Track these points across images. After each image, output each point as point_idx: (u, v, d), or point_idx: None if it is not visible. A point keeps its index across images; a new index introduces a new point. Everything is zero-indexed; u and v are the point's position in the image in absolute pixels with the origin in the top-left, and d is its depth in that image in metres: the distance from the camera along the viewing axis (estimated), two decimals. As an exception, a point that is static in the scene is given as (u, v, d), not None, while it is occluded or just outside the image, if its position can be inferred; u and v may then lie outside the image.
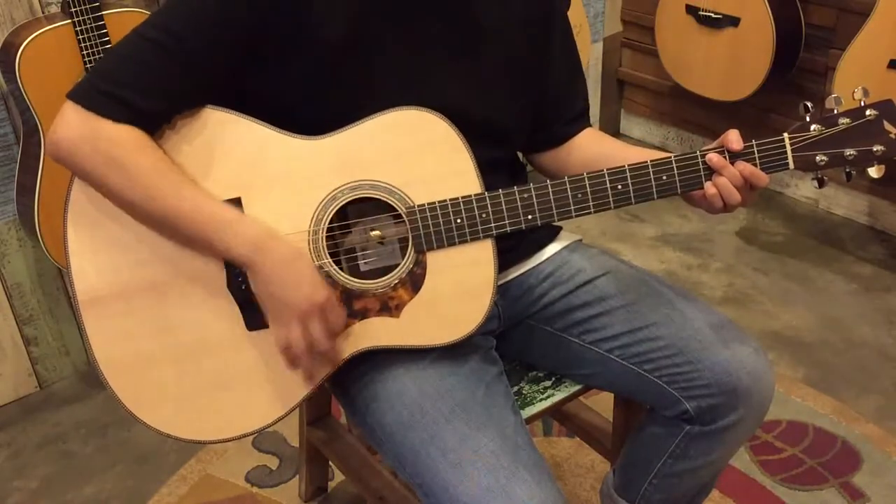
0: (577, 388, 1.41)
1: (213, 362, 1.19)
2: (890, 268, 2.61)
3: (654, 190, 1.18)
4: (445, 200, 1.17)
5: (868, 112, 1.16)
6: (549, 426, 2.05)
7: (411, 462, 1.16)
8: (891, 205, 2.75)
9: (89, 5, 1.81)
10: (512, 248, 1.31)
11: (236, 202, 1.16)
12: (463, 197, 1.17)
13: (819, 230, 2.82)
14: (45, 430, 2.11)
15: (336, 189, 1.17)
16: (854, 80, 2.31)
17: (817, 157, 1.17)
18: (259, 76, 1.16)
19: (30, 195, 1.90)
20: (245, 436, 1.22)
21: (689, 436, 1.30)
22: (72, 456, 2.04)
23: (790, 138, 1.17)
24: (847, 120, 1.16)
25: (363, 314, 1.19)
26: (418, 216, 1.17)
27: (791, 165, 1.17)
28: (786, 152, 1.17)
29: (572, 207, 1.19)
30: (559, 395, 1.40)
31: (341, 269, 1.19)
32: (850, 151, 1.17)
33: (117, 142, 1.11)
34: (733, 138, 1.16)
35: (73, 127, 1.11)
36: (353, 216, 1.20)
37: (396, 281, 1.18)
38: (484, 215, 1.18)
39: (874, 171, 1.18)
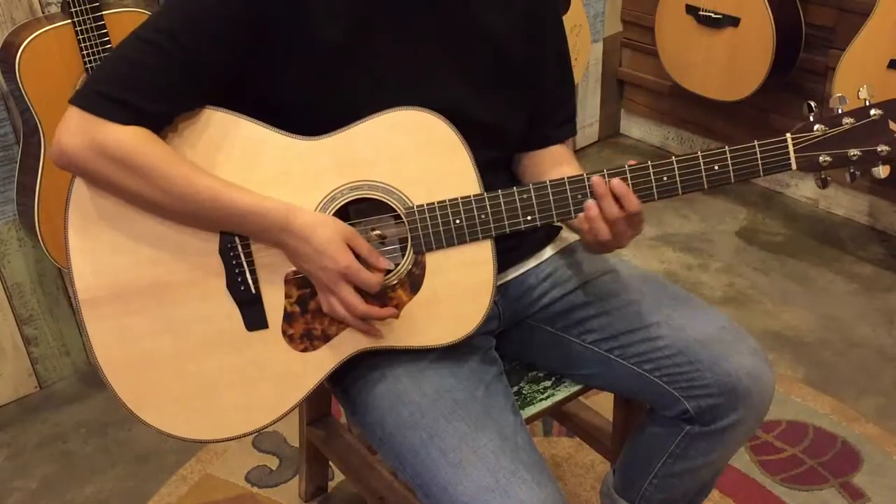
0: (577, 388, 1.41)
1: (214, 362, 1.19)
2: (890, 268, 2.61)
3: (655, 191, 1.18)
4: (445, 201, 1.17)
5: (873, 112, 1.15)
6: (549, 426, 2.05)
7: (411, 462, 1.16)
8: (891, 205, 2.75)
9: (89, 5, 1.81)
10: (512, 249, 1.31)
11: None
12: (462, 198, 1.17)
13: (819, 230, 2.82)
14: (45, 430, 2.12)
15: (335, 189, 1.17)
16: (854, 80, 2.31)
17: (820, 158, 1.16)
18: (258, 77, 1.16)
19: (30, 195, 1.90)
20: (245, 435, 1.23)
21: (689, 436, 1.30)
22: (72, 456, 2.04)
23: (793, 139, 1.16)
24: (851, 120, 1.15)
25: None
26: (417, 217, 1.17)
27: (793, 166, 1.16)
28: (788, 153, 1.16)
29: (572, 208, 1.19)
30: (559, 395, 1.40)
31: (341, 269, 1.19)
32: (854, 152, 1.16)
33: (124, 142, 1.11)
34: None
35: (79, 133, 1.11)
36: (353, 217, 1.20)
37: (395, 281, 1.18)
38: (483, 216, 1.18)
39: (880, 172, 1.16)
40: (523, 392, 1.41)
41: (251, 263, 1.18)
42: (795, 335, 2.35)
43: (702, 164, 1.17)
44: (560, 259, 1.38)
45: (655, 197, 1.19)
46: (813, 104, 1.16)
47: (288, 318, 1.20)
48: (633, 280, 1.34)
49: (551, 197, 1.18)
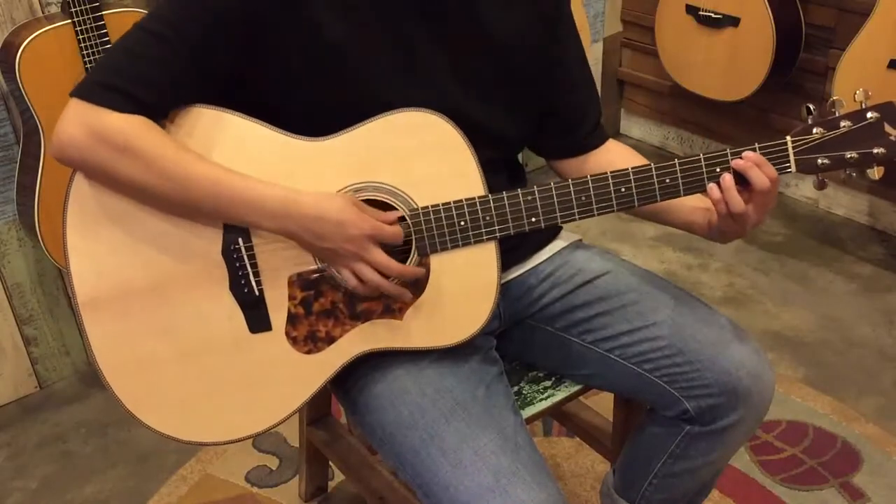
0: (577, 388, 1.41)
1: (215, 364, 1.19)
2: (890, 268, 2.61)
3: (658, 193, 1.18)
4: (449, 203, 1.17)
5: (869, 115, 1.16)
6: (549, 426, 2.05)
7: (411, 462, 1.16)
8: (891, 205, 2.75)
9: (89, 5, 1.81)
10: (512, 249, 1.31)
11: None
12: (466, 199, 1.17)
13: (819, 230, 2.82)
14: (45, 430, 2.11)
15: (340, 191, 1.16)
16: (854, 81, 2.31)
17: (819, 160, 1.17)
18: (258, 77, 1.16)
19: (30, 195, 1.90)
20: (247, 438, 1.22)
21: (689, 436, 1.30)
22: (72, 456, 2.04)
23: (793, 141, 1.17)
24: (848, 123, 1.16)
25: (366, 316, 1.19)
26: (422, 218, 1.17)
27: (793, 168, 1.17)
28: (788, 155, 1.17)
29: (576, 210, 1.19)
30: (559, 395, 1.40)
31: (343, 269, 1.19)
32: (851, 154, 1.17)
33: (124, 128, 1.10)
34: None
35: (79, 123, 1.11)
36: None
37: (399, 283, 1.18)
38: (488, 218, 1.18)
39: (874, 173, 1.18)
40: (523, 392, 1.41)
41: (254, 265, 1.17)
42: (795, 335, 2.35)
43: (703, 166, 1.17)
44: (560, 259, 1.38)
45: (658, 199, 1.19)
46: (811, 107, 1.17)
47: (292, 319, 1.19)
48: (633, 280, 1.35)
49: (555, 199, 1.18)
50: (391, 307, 1.19)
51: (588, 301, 1.34)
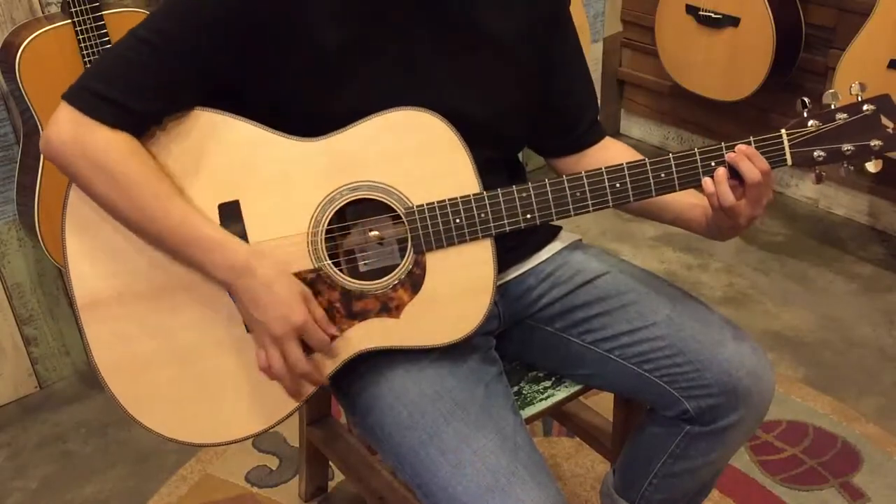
0: (577, 388, 1.41)
1: (213, 365, 1.19)
2: (890, 268, 2.61)
3: (653, 187, 1.18)
4: (444, 201, 1.17)
5: (865, 107, 1.16)
6: (549, 426, 2.05)
7: (410, 462, 1.16)
8: (891, 205, 2.75)
9: (89, 5, 1.81)
10: (512, 249, 1.31)
11: (234, 204, 1.16)
12: (461, 197, 1.17)
13: (819, 230, 2.82)
14: (45, 430, 2.12)
15: (334, 190, 1.17)
16: (854, 80, 2.30)
17: (815, 153, 1.17)
18: (255, 79, 1.16)
19: (30, 195, 1.90)
20: (245, 439, 1.22)
21: (689, 436, 1.30)
22: (72, 456, 2.04)
23: (788, 134, 1.17)
24: (844, 115, 1.16)
25: (363, 315, 1.19)
26: (417, 217, 1.17)
27: (789, 161, 1.17)
28: (783, 148, 1.17)
29: (571, 206, 1.19)
30: (559, 395, 1.40)
31: (341, 270, 1.19)
32: (847, 147, 1.16)
33: (105, 148, 1.11)
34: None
35: (64, 129, 1.12)
36: (352, 217, 1.20)
37: (396, 281, 1.18)
38: (483, 215, 1.18)
39: (872, 166, 1.18)
40: (523, 392, 1.41)
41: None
42: (795, 335, 2.35)
43: (699, 159, 1.18)
44: (560, 259, 1.38)
45: (653, 194, 1.19)
46: (807, 100, 1.17)
47: (289, 320, 1.19)
48: (633, 280, 1.34)
49: (550, 195, 1.18)
50: (388, 306, 1.19)
51: (588, 301, 1.34)
